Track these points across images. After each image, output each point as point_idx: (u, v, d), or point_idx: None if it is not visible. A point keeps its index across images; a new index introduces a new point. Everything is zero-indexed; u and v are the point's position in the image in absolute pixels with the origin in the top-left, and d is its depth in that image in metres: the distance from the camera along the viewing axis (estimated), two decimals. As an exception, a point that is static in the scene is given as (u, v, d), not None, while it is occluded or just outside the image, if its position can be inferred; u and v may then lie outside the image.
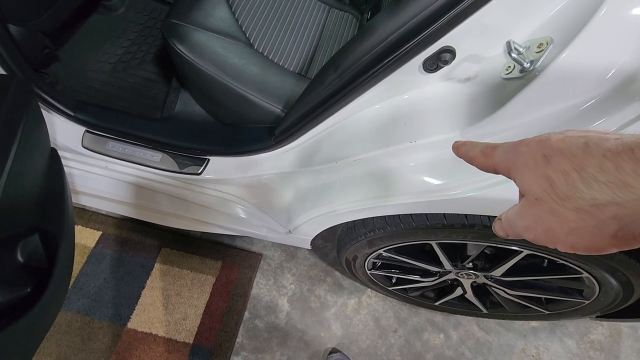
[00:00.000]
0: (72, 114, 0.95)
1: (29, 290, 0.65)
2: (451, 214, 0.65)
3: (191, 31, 0.92)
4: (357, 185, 0.68)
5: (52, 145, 0.85)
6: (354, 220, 0.81)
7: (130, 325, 1.12)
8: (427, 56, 0.56)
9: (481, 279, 0.93)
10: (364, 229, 0.81)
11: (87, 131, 0.97)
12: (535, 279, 0.88)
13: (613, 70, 0.44)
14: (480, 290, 1.02)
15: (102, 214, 1.28)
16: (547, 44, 0.47)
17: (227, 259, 1.25)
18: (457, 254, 0.88)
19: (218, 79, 0.88)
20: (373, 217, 0.76)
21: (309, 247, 1.05)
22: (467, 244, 0.82)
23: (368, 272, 1.03)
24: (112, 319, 1.12)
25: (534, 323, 1.25)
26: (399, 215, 0.71)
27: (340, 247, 0.95)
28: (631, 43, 0.43)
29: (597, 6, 0.44)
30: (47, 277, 0.67)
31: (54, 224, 0.73)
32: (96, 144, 0.97)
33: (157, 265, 1.21)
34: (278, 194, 0.89)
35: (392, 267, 1.02)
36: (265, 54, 0.99)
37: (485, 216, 0.63)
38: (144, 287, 1.17)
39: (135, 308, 1.14)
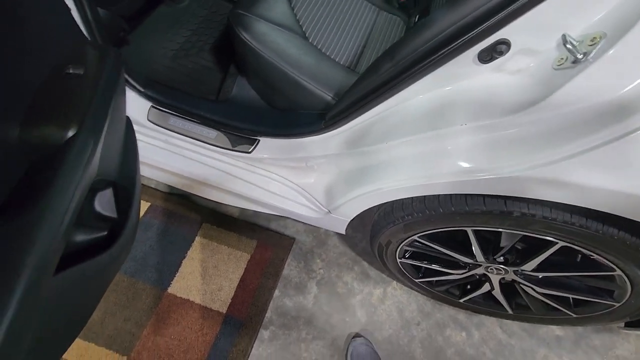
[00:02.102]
0: (142, 89, 1.05)
1: (105, 233, 0.74)
2: (491, 198, 0.70)
3: (255, 21, 1.01)
4: (404, 165, 0.74)
5: (125, 115, 0.95)
6: (393, 203, 0.87)
7: (170, 290, 1.20)
8: (482, 47, 0.61)
9: (510, 275, 0.96)
10: (402, 213, 0.86)
11: (153, 107, 1.08)
12: (566, 276, 0.90)
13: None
14: (508, 288, 1.04)
15: (151, 187, 1.39)
16: (600, 38, 0.51)
17: (262, 239, 1.32)
18: (489, 246, 0.91)
19: (277, 65, 0.96)
20: (413, 200, 0.81)
21: (344, 232, 1.10)
22: (500, 235, 0.85)
23: (398, 260, 1.07)
24: (155, 283, 1.20)
25: (558, 331, 1.25)
26: (439, 198, 0.76)
27: (375, 232, 1.00)
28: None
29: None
30: (119, 226, 0.76)
31: (128, 180, 0.82)
32: (160, 119, 1.07)
33: (197, 239, 1.30)
34: (322, 175, 0.96)
35: (422, 257, 1.06)
36: (318, 47, 1.07)
37: (524, 202, 0.67)
38: (184, 257, 1.26)
39: (176, 275, 1.22)
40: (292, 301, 1.24)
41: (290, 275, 1.28)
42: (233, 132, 1.05)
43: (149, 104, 1.07)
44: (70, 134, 0.55)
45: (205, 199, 1.29)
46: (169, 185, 1.38)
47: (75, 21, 0.68)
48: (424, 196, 0.77)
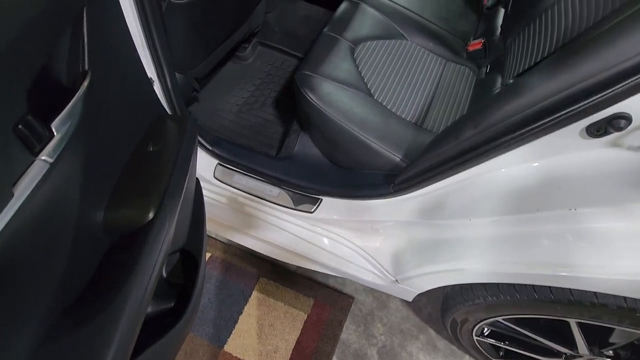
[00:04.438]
0: (209, 148, 1.09)
1: (172, 304, 0.73)
2: (607, 294, 0.58)
3: (321, 81, 1.01)
4: (493, 247, 0.65)
5: (194, 175, 0.98)
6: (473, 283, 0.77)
7: (226, 348, 1.17)
8: (593, 121, 0.53)
9: (622, 372, 0.79)
10: (485, 292, 0.75)
11: (219, 164, 1.10)
12: None
13: None
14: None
15: (212, 237, 1.41)
16: None
17: (319, 297, 1.26)
18: (596, 337, 0.76)
19: (342, 125, 0.94)
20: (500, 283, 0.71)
21: (410, 300, 1.00)
22: (613, 328, 0.71)
23: (475, 337, 0.94)
24: (212, 339, 1.18)
25: None
26: (533, 284, 0.65)
27: (448, 306, 0.90)
28: None
29: None
30: (187, 294, 0.75)
31: (195, 245, 0.82)
32: (225, 176, 1.09)
33: (254, 293, 1.27)
34: (389, 240, 0.89)
35: (504, 337, 0.92)
36: (384, 104, 1.04)
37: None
38: (241, 313, 1.23)
39: (232, 332, 1.19)
40: (351, 370, 1.14)
41: (349, 340, 1.19)
42: (295, 190, 1.03)
43: (215, 161, 1.10)
44: (150, 216, 0.55)
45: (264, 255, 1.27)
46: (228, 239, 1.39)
47: (156, 95, 0.71)
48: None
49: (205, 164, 1.10)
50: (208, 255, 1.36)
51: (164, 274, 0.79)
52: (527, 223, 0.60)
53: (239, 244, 1.28)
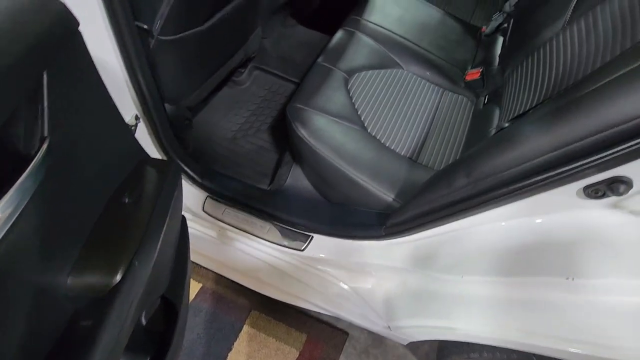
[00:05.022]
0: (199, 180, 1.06)
1: (150, 356, 0.70)
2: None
3: (313, 115, 0.98)
4: (489, 311, 0.61)
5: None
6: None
7: (214, 388, 1.12)
8: (591, 182, 0.49)
9: None
10: (482, 348, 0.71)
11: (209, 197, 1.07)
12: None
13: None
14: None
15: (203, 268, 1.37)
16: None
17: (312, 333, 1.21)
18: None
19: (333, 163, 0.91)
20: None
21: (405, 344, 0.96)
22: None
23: (473, 386, 0.89)
24: (199, 378, 1.14)
25: None
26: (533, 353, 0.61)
27: (443, 355, 0.85)
28: None
29: None
30: (165, 344, 0.72)
31: (176, 291, 0.79)
32: (215, 210, 1.06)
33: (245, 328, 1.23)
34: (382, 286, 0.85)
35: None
36: (377, 137, 1.00)
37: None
38: (230, 350, 1.19)
39: (221, 370, 1.15)
40: (343, 414, 1.09)
41: (342, 380, 1.14)
42: (286, 226, 1.00)
43: (205, 194, 1.07)
44: (117, 279, 0.52)
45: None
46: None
47: (135, 140, 0.69)
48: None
49: (194, 197, 1.07)
50: (199, 286, 1.32)
51: (143, 322, 0.75)
52: (523, 288, 0.56)
53: (231, 280, 1.24)
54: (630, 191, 0.47)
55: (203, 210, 1.07)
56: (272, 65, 1.54)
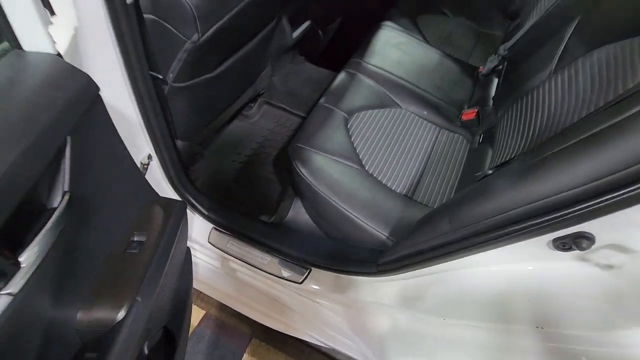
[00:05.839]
0: (206, 213, 1.12)
1: (150, 387, 0.74)
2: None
3: (312, 154, 1.04)
4: (468, 354, 0.63)
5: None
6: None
7: (213, 416, 1.14)
8: (558, 236, 0.52)
9: None
10: (468, 389, 0.72)
11: (215, 228, 1.13)
12: None
13: None
14: None
15: (207, 295, 1.42)
16: None
17: (310, 364, 1.23)
18: None
19: (330, 201, 0.96)
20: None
21: (399, 379, 0.97)
22: None
23: None
24: (199, 406, 1.16)
25: None
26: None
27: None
28: None
29: None
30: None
31: (176, 322, 0.84)
32: (219, 241, 1.12)
33: (245, 356, 1.26)
34: (374, 323, 0.88)
35: None
36: (375, 175, 1.05)
37: None
38: (231, 377, 1.21)
39: (220, 399, 1.17)
40: None
41: (339, 414, 1.15)
42: (285, 258, 1.04)
43: (210, 226, 1.13)
44: (121, 315, 0.57)
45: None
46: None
47: (147, 183, 0.76)
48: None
49: (201, 228, 1.13)
50: (203, 312, 1.36)
51: (146, 351, 0.80)
52: (499, 333, 0.59)
53: (234, 309, 1.28)
54: (593, 246, 0.50)
55: (208, 241, 1.12)
56: (280, 100, 1.63)
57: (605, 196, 0.46)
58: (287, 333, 1.14)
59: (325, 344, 1.05)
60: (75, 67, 0.52)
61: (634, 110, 0.47)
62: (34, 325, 0.47)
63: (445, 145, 1.19)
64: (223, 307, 1.38)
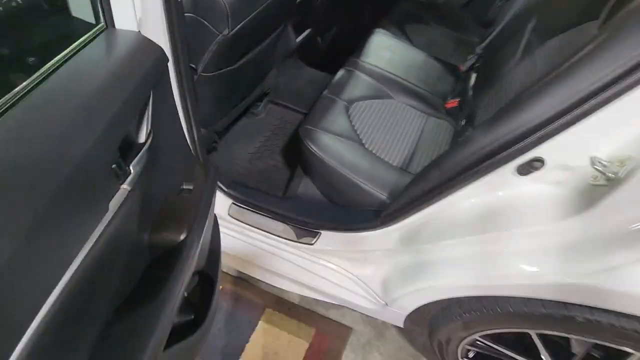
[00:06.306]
0: (226, 189, 1.27)
1: (192, 317, 0.87)
2: (550, 302, 0.70)
3: (320, 134, 1.21)
4: (458, 264, 0.79)
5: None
6: (450, 300, 0.89)
7: (233, 375, 1.25)
8: (520, 163, 0.70)
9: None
10: (459, 310, 0.87)
11: (233, 203, 1.28)
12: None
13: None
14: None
15: (223, 271, 1.54)
16: (628, 160, 0.57)
17: (320, 327, 1.36)
18: (560, 351, 0.86)
19: (338, 170, 1.12)
20: (469, 298, 0.84)
21: (402, 325, 1.11)
22: (570, 340, 0.82)
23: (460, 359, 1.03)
24: (220, 367, 1.27)
25: None
26: (495, 297, 0.78)
27: (433, 327, 1.01)
28: None
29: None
30: (204, 309, 0.89)
31: (213, 269, 0.97)
32: (238, 214, 1.26)
33: (260, 323, 1.38)
34: (379, 268, 1.03)
35: (487, 357, 1.01)
36: (373, 152, 1.23)
37: (586, 307, 0.67)
38: (247, 342, 1.33)
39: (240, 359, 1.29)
40: (349, 398, 1.21)
41: (347, 369, 1.27)
42: (298, 225, 1.19)
43: (230, 201, 1.28)
44: (183, 237, 0.72)
45: (270, 285, 1.39)
46: (238, 270, 1.53)
47: (189, 147, 0.91)
48: (480, 295, 0.80)
49: (221, 204, 1.28)
50: (219, 287, 1.48)
51: (185, 293, 0.93)
52: (482, 243, 0.75)
53: (248, 274, 1.41)
54: (545, 167, 0.68)
55: (229, 214, 1.27)
56: (284, 99, 1.81)
57: (550, 124, 0.64)
58: (300, 293, 1.27)
59: (335, 299, 1.18)
60: (153, 41, 0.68)
61: (567, 64, 0.66)
62: (125, 240, 0.61)
63: (432, 129, 1.38)
64: (237, 282, 1.50)
